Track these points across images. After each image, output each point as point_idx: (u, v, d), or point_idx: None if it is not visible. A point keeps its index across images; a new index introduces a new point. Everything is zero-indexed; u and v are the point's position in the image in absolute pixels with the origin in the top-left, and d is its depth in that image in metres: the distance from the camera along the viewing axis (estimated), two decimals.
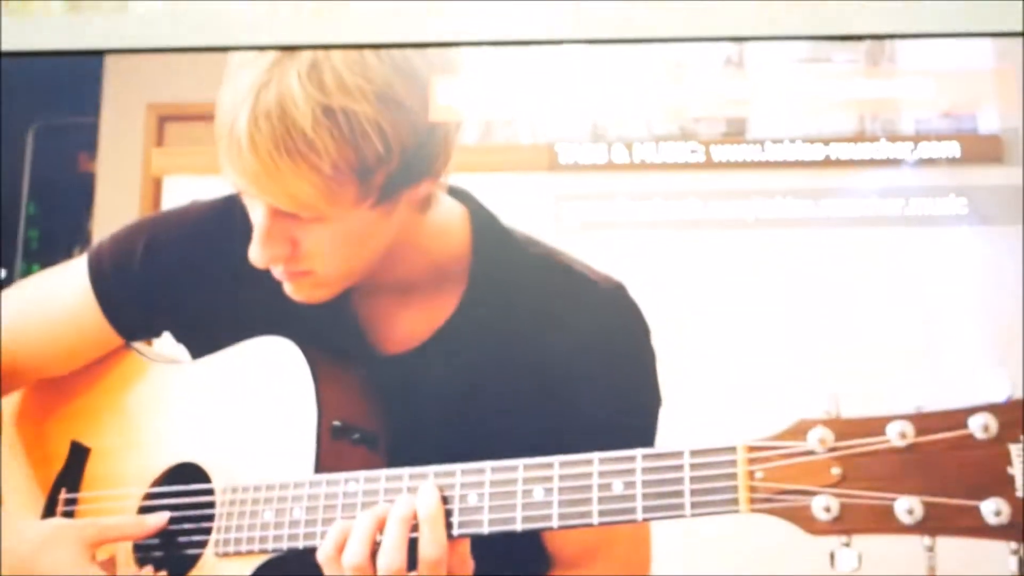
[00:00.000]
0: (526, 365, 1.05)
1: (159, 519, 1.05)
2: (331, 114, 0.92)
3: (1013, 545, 0.69)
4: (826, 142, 1.37)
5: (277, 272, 1.02)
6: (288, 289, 1.03)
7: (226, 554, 0.99)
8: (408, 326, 1.08)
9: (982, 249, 1.35)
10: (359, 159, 0.93)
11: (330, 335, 1.05)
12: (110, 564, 1.06)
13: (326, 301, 1.04)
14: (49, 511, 1.15)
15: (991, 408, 0.69)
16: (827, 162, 1.36)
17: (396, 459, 0.98)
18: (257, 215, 0.98)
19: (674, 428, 0.96)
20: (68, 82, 1.37)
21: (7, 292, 1.23)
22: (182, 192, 1.39)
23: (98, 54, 1.21)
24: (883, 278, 1.39)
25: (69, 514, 1.14)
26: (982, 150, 1.41)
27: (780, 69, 1.41)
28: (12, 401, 1.23)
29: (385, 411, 1.04)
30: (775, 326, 1.40)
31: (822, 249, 1.44)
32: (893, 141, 1.36)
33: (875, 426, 0.72)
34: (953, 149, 1.37)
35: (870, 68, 1.43)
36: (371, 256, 1.02)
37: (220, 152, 0.96)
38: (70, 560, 1.01)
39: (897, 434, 0.71)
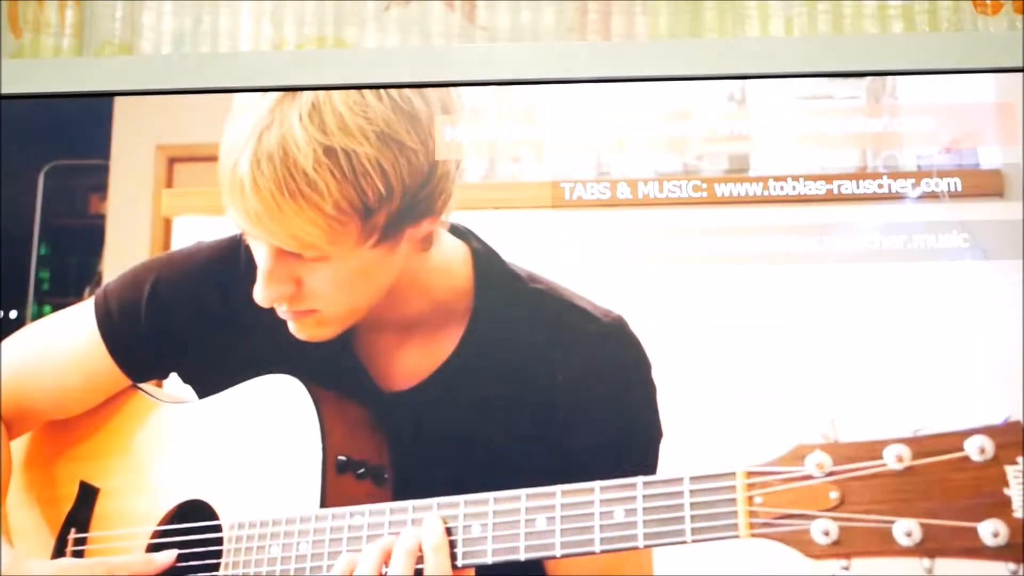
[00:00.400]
0: (528, 399, 1.06)
1: (167, 557, 1.05)
2: (332, 154, 0.93)
3: (1012, 566, 0.69)
4: (828, 179, 1.38)
5: (281, 311, 1.03)
6: (292, 328, 1.04)
7: None
8: (411, 363, 1.09)
9: (983, 282, 1.35)
10: (360, 199, 0.94)
11: (333, 373, 1.06)
12: None
13: (329, 339, 1.05)
14: (59, 551, 1.16)
15: (987, 430, 0.70)
16: (830, 197, 1.37)
17: (401, 493, 0.99)
18: (260, 255, 0.99)
19: (675, 460, 0.96)
20: (78, 124, 1.39)
21: (16, 336, 1.24)
22: (192, 232, 1.41)
23: (107, 96, 1.23)
24: (884, 311, 1.39)
25: (79, 554, 1.14)
26: (984, 185, 1.41)
27: (782, 106, 1.43)
28: (21, 443, 1.23)
29: (389, 445, 1.05)
30: (776, 359, 1.41)
31: (824, 284, 1.44)
32: (895, 177, 1.37)
33: (872, 450, 0.72)
34: (955, 184, 1.37)
35: (872, 104, 1.45)
36: (374, 294, 1.03)
37: (223, 193, 0.97)
38: None
39: (894, 457, 0.71)
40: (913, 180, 1.35)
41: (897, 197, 1.35)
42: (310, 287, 0.99)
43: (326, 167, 0.92)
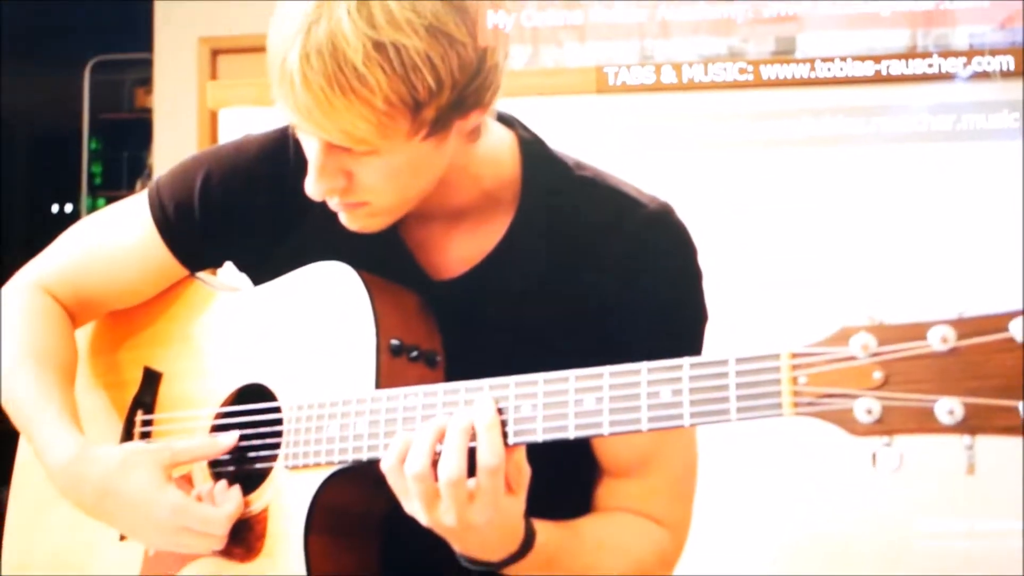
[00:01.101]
0: (575, 285, 1.07)
1: (230, 438, 1.09)
2: (382, 48, 0.92)
3: None
4: (877, 59, 1.35)
5: (333, 203, 1.03)
6: (344, 219, 1.05)
7: (295, 467, 1.03)
8: (460, 251, 1.10)
9: None
10: (411, 93, 0.93)
11: (383, 262, 1.08)
12: (186, 480, 1.11)
13: (381, 230, 1.06)
14: (127, 432, 1.21)
15: None
16: (878, 78, 1.35)
17: (452, 376, 1.01)
18: (311, 149, 1.00)
19: (720, 343, 0.98)
20: (121, 19, 1.39)
21: (73, 230, 1.26)
22: (237, 123, 1.42)
23: None
24: (932, 193, 1.38)
25: (146, 435, 1.19)
26: None
27: None
28: (86, 332, 1.28)
29: (440, 330, 1.07)
30: (822, 242, 1.41)
31: (871, 166, 1.43)
32: (946, 56, 1.34)
33: (917, 331, 0.73)
34: (1007, 63, 1.35)
35: None
36: (424, 186, 1.03)
37: (273, 88, 0.97)
38: (147, 482, 1.05)
39: (939, 338, 0.72)
40: (964, 59, 1.32)
41: (947, 77, 1.32)
42: (361, 180, 1.00)
43: (376, 62, 0.92)
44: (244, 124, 1.17)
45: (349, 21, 0.91)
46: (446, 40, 0.94)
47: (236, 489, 1.06)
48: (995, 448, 0.72)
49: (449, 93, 0.95)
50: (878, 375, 0.74)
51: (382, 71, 0.92)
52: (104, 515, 1.08)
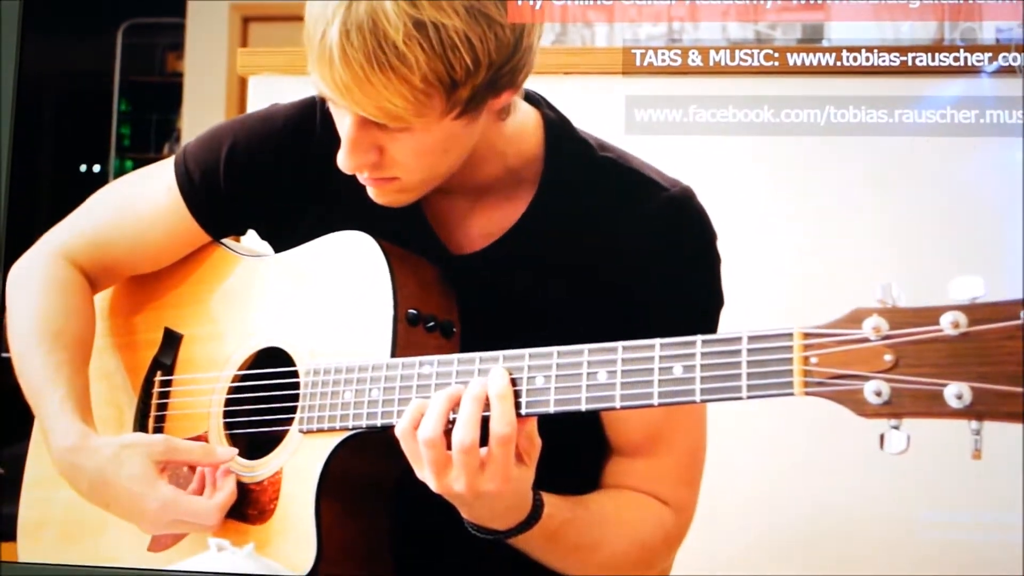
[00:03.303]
0: (593, 265, 1.08)
1: (228, 453, 1.10)
2: (422, 27, 0.92)
3: None
4: (903, 51, 1.35)
5: (362, 178, 1.05)
6: (372, 194, 1.06)
7: (310, 431, 1.04)
8: (481, 226, 1.11)
9: None
10: (448, 72, 0.94)
11: (404, 234, 1.09)
12: (190, 469, 1.11)
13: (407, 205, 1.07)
14: (146, 391, 1.22)
15: None
16: (903, 69, 1.34)
17: (468, 347, 1.02)
18: (344, 124, 1.00)
19: (736, 329, 0.98)
20: None
21: (99, 194, 1.28)
22: (266, 91, 1.43)
23: None
24: (952, 185, 1.38)
25: (164, 394, 1.21)
26: None
27: None
28: (105, 294, 1.29)
29: (458, 303, 1.08)
30: (842, 230, 1.41)
31: (893, 156, 1.43)
32: (972, 51, 1.34)
33: (929, 315, 0.74)
34: None
35: None
36: (454, 162, 1.04)
37: (310, 61, 0.97)
38: (138, 476, 1.07)
39: (950, 323, 0.73)
40: (990, 54, 1.32)
41: (972, 71, 1.32)
42: (392, 156, 1.01)
43: (416, 40, 0.92)
44: (273, 91, 1.18)
45: None
46: (485, 21, 0.95)
47: (232, 478, 1.08)
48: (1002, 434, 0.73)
49: (485, 73, 0.96)
50: (889, 358, 0.75)
51: (421, 50, 0.92)
52: (99, 504, 1.11)
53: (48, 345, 1.16)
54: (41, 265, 1.22)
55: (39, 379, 1.15)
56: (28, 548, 1.25)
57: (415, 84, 0.93)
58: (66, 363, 1.16)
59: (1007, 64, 1.33)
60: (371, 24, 0.92)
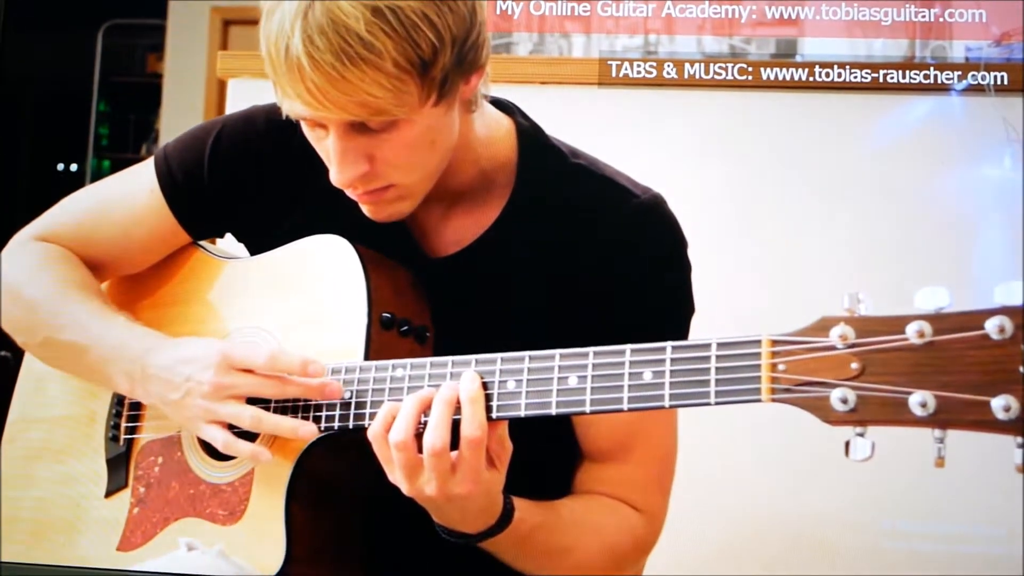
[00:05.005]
0: (564, 270, 1.09)
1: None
2: (379, 13, 0.94)
3: (1020, 439, 0.72)
4: (875, 68, 1.38)
5: (356, 195, 1.04)
6: (370, 212, 1.06)
7: None
8: (454, 232, 1.12)
9: (1018, 176, 1.35)
10: (416, 52, 0.95)
11: (381, 239, 1.09)
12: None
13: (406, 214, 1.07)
14: (118, 401, 1.22)
15: (1008, 311, 0.72)
16: (874, 85, 1.37)
17: (441, 352, 1.03)
18: (329, 141, 1.01)
19: (705, 335, 1.00)
20: None
21: (80, 194, 1.27)
22: (245, 94, 1.44)
23: None
24: (919, 198, 1.41)
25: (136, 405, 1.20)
26: None
27: None
28: None
29: (432, 308, 1.09)
30: (809, 240, 1.43)
31: (861, 169, 1.45)
32: (942, 69, 1.36)
33: (895, 324, 0.75)
34: (1002, 78, 1.37)
35: None
36: (442, 156, 1.04)
37: (280, 84, 0.97)
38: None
39: (916, 332, 0.74)
40: (959, 72, 1.34)
41: (943, 88, 1.34)
42: (383, 159, 1.01)
43: (378, 27, 0.94)
44: (252, 95, 1.18)
45: None
46: None
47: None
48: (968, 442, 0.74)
49: (451, 49, 0.97)
50: (855, 366, 0.76)
51: (385, 35, 0.94)
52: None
53: (82, 292, 1.15)
54: (29, 247, 1.21)
55: (92, 317, 1.13)
56: None
57: (388, 70, 0.94)
58: (107, 304, 1.15)
59: (976, 82, 1.36)
60: (331, 23, 0.93)
